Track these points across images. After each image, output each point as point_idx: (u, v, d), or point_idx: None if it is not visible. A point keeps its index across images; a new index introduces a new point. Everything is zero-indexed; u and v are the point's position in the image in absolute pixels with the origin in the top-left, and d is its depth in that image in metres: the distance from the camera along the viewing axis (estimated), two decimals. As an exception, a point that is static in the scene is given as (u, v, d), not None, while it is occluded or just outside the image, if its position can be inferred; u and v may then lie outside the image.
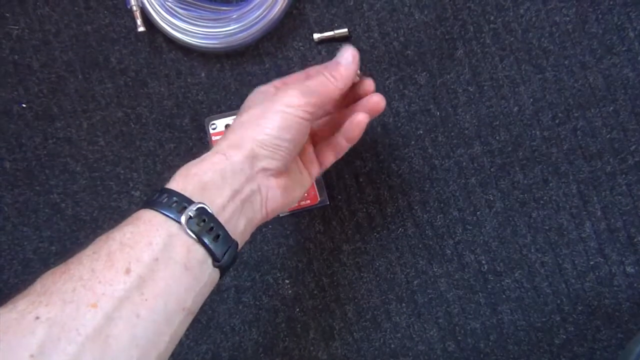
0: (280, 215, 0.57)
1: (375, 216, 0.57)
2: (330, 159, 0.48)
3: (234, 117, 0.57)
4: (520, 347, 0.56)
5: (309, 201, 0.57)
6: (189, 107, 0.58)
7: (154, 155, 0.59)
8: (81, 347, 0.30)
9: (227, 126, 0.57)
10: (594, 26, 0.54)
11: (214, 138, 0.57)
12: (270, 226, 0.58)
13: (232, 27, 0.55)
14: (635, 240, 0.55)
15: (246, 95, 0.58)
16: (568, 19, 0.54)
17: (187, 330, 0.59)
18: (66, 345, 0.29)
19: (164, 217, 0.35)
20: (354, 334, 0.58)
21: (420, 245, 0.57)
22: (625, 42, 0.54)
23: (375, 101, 0.45)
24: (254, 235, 0.58)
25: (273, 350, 0.59)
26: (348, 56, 0.44)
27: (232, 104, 0.58)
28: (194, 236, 0.35)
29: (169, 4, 0.55)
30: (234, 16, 0.55)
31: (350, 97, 0.47)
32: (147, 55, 0.58)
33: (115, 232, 0.35)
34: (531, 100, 0.55)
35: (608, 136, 0.54)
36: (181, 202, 0.36)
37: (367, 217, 0.57)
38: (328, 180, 0.57)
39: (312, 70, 0.46)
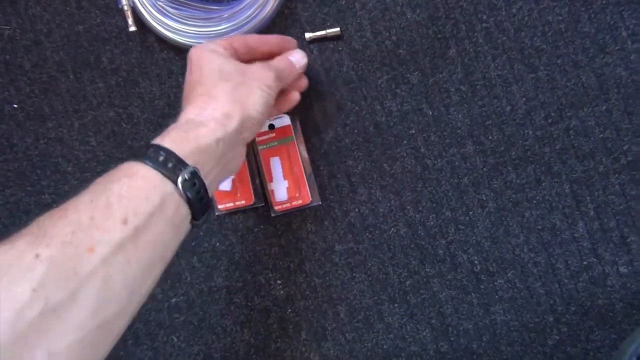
0: (273, 214, 0.57)
1: (368, 216, 0.57)
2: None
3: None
4: (513, 348, 0.56)
5: (301, 201, 0.56)
6: (180, 106, 0.58)
7: (146, 155, 0.58)
8: (79, 285, 0.32)
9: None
10: (587, 25, 0.54)
11: (205, 138, 0.57)
12: (262, 226, 0.58)
13: (223, 27, 0.55)
14: (629, 240, 0.54)
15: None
16: (560, 18, 0.54)
17: (179, 331, 0.59)
18: (66, 282, 0.31)
19: (161, 176, 0.37)
20: (346, 334, 0.58)
21: (412, 246, 0.57)
22: (618, 41, 0.53)
23: (304, 84, 0.53)
24: (245, 237, 0.58)
25: (265, 351, 0.58)
26: (299, 58, 0.51)
27: (224, 103, 0.58)
28: (186, 198, 0.38)
29: (160, 3, 0.55)
30: (226, 15, 0.55)
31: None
32: (139, 55, 0.58)
33: (112, 184, 0.36)
34: (524, 99, 0.55)
35: (601, 135, 0.54)
36: (177, 164, 0.38)
37: (359, 217, 0.57)
38: (320, 180, 0.57)
39: (251, 38, 0.50)
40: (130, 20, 0.56)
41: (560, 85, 0.54)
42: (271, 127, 0.57)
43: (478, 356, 0.57)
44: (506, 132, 0.55)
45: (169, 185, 0.37)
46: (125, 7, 0.55)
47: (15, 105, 0.59)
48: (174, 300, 0.59)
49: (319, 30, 0.56)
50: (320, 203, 0.57)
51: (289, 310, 0.58)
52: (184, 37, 0.55)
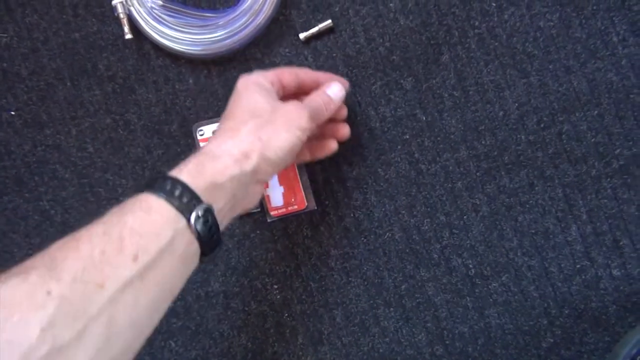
0: (269, 220, 0.57)
1: (363, 221, 0.57)
2: (303, 157, 0.52)
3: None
4: (507, 351, 0.57)
5: (296, 206, 0.57)
6: (177, 113, 0.58)
7: (143, 161, 0.59)
8: (87, 324, 0.32)
9: (214, 132, 0.57)
10: (578, 31, 0.54)
11: (201, 144, 0.58)
12: (258, 232, 0.59)
13: (219, 34, 0.55)
14: (621, 243, 0.55)
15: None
16: (552, 24, 0.54)
17: (176, 336, 0.59)
18: (74, 321, 0.31)
19: (175, 212, 0.37)
20: (343, 338, 0.58)
21: (407, 250, 0.57)
22: (609, 46, 0.54)
23: (344, 133, 0.52)
24: (242, 242, 0.59)
25: (262, 356, 0.59)
26: (337, 91, 0.49)
27: (220, 110, 0.58)
28: (197, 234, 0.38)
29: (156, 11, 0.56)
30: (221, 23, 0.55)
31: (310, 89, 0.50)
32: (135, 62, 0.58)
33: (127, 216, 0.36)
34: (516, 104, 0.55)
35: (593, 140, 0.55)
36: (192, 199, 0.38)
37: (354, 222, 0.58)
38: (315, 185, 0.57)
39: (302, 73, 0.49)
40: (126, 28, 0.56)
41: (552, 90, 0.55)
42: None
43: (473, 359, 0.57)
44: (499, 137, 0.56)
45: (182, 221, 0.37)
46: (122, 15, 0.56)
47: (12, 113, 0.59)
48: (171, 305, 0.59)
49: (311, 28, 0.56)
50: (315, 208, 0.57)
51: (286, 314, 0.59)
52: (180, 44, 0.56)
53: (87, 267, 0.33)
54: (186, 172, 0.39)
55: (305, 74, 0.50)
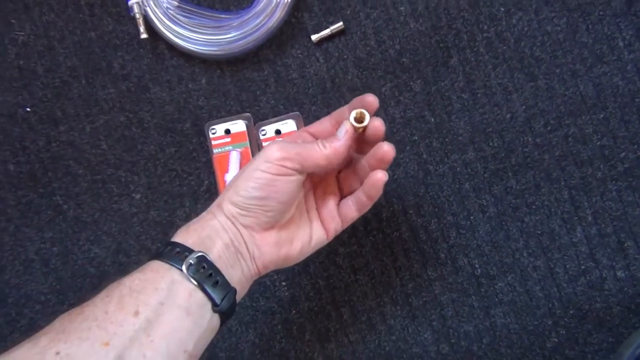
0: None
1: (371, 220, 0.58)
2: (352, 214, 0.46)
3: (233, 121, 0.59)
4: (512, 350, 0.57)
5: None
6: (189, 112, 0.59)
7: (155, 158, 0.60)
8: None
9: (226, 131, 0.59)
10: (585, 36, 0.55)
11: (213, 142, 0.59)
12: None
13: (232, 35, 0.56)
14: (626, 245, 0.56)
15: (245, 101, 0.59)
16: (559, 28, 0.55)
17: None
18: None
19: (168, 266, 0.39)
20: (349, 336, 0.59)
21: (414, 249, 0.58)
22: (615, 51, 0.55)
23: (385, 151, 0.43)
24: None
25: (269, 352, 0.59)
26: (342, 131, 0.42)
27: (232, 109, 0.59)
28: (194, 282, 0.38)
29: (171, 11, 0.57)
30: (235, 24, 0.57)
31: (362, 141, 0.45)
32: (150, 62, 0.59)
33: (125, 279, 0.38)
34: (523, 107, 0.56)
35: (599, 143, 0.56)
36: (183, 252, 0.39)
37: (362, 221, 0.58)
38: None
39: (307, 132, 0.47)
40: (141, 28, 0.57)
41: (559, 93, 0.56)
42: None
43: (478, 358, 0.58)
44: (506, 139, 0.56)
45: (176, 273, 0.38)
46: (137, 15, 0.57)
47: (28, 109, 0.61)
48: None
49: (323, 30, 0.57)
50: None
51: (293, 311, 0.59)
52: (194, 44, 0.57)
53: (92, 328, 0.35)
54: (177, 236, 0.41)
55: (314, 129, 0.46)
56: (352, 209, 0.46)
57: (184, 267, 0.38)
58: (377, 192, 0.44)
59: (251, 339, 0.60)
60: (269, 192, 0.41)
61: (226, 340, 0.60)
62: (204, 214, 0.43)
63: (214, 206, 0.43)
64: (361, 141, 0.45)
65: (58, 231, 0.60)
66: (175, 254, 0.39)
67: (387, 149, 0.42)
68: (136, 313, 0.36)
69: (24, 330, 0.61)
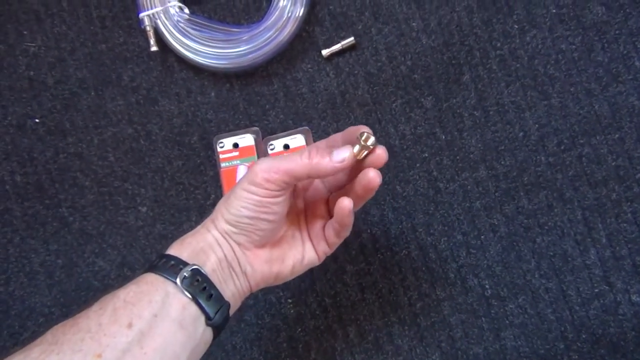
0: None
1: (380, 237, 0.57)
2: (332, 239, 0.44)
3: (242, 135, 0.58)
4: (523, 374, 0.56)
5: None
6: (198, 125, 0.59)
7: (163, 171, 0.59)
8: None
9: (234, 145, 0.58)
10: (600, 54, 0.54)
11: (221, 156, 0.58)
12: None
13: (242, 48, 0.56)
14: (641, 268, 0.54)
15: (254, 115, 0.59)
16: (574, 47, 0.55)
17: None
18: None
19: (162, 278, 0.39)
20: (356, 355, 0.58)
21: (423, 268, 0.57)
22: (631, 70, 0.54)
23: (369, 178, 0.40)
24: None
25: (274, 370, 0.58)
26: (339, 155, 0.40)
27: (240, 123, 0.59)
28: (188, 295, 0.38)
29: (181, 24, 0.57)
30: (245, 38, 0.56)
31: (358, 170, 0.42)
32: (159, 74, 0.59)
33: (119, 291, 0.38)
34: (536, 126, 0.55)
35: (613, 163, 0.54)
36: (177, 265, 0.39)
37: (371, 238, 0.57)
38: (333, 200, 0.58)
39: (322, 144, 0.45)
40: (152, 41, 0.57)
41: (573, 112, 0.55)
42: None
43: (487, 382, 0.56)
44: (519, 158, 0.55)
45: (170, 285, 0.38)
46: (148, 28, 0.57)
47: (37, 120, 0.60)
48: None
49: (334, 45, 0.57)
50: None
51: (299, 329, 0.58)
52: (204, 57, 0.57)
53: (85, 339, 0.35)
54: (171, 249, 0.41)
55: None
56: (331, 233, 0.44)
57: (178, 280, 0.38)
58: (343, 218, 0.41)
59: (256, 356, 0.59)
60: (257, 213, 0.41)
61: (230, 358, 0.59)
62: (198, 227, 0.43)
63: (208, 221, 0.43)
64: (355, 168, 0.43)
65: (63, 243, 0.60)
66: (170, 267, 0.39)
67: (372, 176, 0.40)
68: (130, 325, 0.36)
69: (27, 343, 0.60)
